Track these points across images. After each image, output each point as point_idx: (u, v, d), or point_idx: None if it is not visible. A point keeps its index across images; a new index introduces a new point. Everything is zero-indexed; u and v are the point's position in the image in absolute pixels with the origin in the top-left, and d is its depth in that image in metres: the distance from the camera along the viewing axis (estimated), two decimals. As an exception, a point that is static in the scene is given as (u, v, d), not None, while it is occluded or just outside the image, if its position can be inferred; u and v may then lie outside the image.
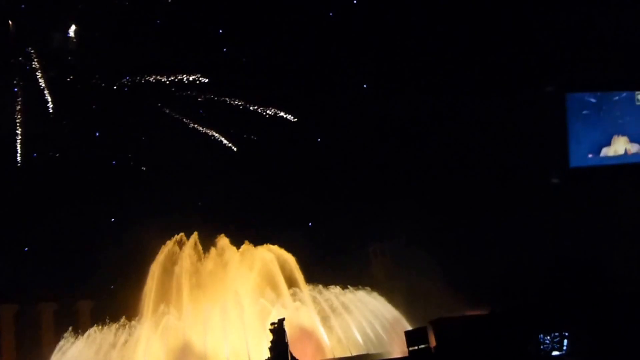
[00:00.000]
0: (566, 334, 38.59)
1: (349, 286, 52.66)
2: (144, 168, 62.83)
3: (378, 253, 64.82)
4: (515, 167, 58.84)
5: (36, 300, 60.54)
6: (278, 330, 39.80)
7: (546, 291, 49.60)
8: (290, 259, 52.85)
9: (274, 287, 51.90)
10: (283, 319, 40.54)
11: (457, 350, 41.31)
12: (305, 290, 52.01)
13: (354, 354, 47.61)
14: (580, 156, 55.69)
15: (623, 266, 50.06)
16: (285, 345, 39.69)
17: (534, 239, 55.74)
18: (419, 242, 57.01)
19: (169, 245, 54.61)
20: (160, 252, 54.17)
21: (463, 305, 46.95)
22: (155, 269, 53.44)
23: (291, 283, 52.50)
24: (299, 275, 52.68)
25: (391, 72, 61.69)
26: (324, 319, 50.25)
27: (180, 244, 54.75)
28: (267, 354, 40.10)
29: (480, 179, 59.16)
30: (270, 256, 52.97)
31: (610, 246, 52.83)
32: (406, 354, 43.35)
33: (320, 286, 52.56)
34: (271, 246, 53.71)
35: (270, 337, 39.81)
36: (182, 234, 55.05)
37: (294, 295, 51.60)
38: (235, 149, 63.26)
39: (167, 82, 62.44)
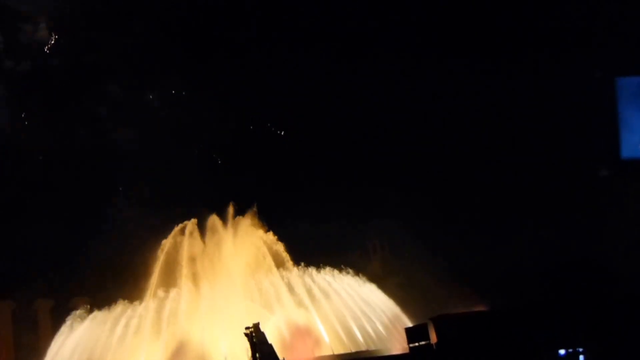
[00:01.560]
0: (580, 349, 37.97)
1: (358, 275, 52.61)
2: (120, 188, 63.16)
3: (377, 247, 64.18)
4: (548, 159, 56.50)
5: (33, 297, 60.46)
6: (257, 333, 40.31)
7: (549, 290, 48.91)
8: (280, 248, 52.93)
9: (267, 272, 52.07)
10: (258, 323, 41.15)
11: (458, 347, 41.00)
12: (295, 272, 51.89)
13: (354, 350, 47.00)
14: (632, 146, 46.67)
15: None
16: (270, 346, 40.27)
17: (537, 237, 54.96)
18: (420, 236, 56.12)
19: (169, 238, 54.59)
20: (162, 245, 54.18)
21: (464, 302, 46.36)
22: (158, 259, 53.59)
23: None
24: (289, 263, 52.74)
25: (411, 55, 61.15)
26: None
27: (181, 234, 54.77)
28: (250, 356, 40.47)
29: (488, 174, 58.27)
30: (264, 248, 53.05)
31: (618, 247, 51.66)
32: (407, 351, 43.28)
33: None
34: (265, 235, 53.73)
35: (246, 340, 40.51)
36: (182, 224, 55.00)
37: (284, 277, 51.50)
38: (219, 161, 63.68)
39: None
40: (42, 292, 60.29)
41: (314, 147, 63.39)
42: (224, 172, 60.69)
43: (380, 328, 48.83)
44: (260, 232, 53.69)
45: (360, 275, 52.74)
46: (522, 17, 58.86)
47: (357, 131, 62.52)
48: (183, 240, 54.53)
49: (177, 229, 54.91)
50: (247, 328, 40.94)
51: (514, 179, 57.82)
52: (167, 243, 54.42)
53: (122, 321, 49.98)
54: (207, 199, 58.50)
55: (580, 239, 52.88)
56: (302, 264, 52.09)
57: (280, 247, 52.61)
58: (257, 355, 39.92)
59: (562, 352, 38.81)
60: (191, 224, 55.02)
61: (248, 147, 64.24)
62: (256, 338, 40.15)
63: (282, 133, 62.96)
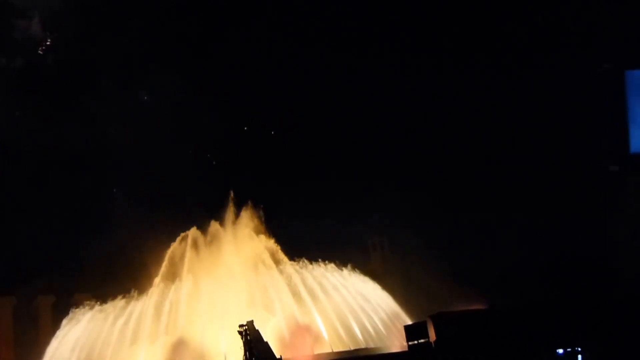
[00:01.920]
0: (579, 349, 37.90)
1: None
2: (115, 190, 63.29)
3: (377, 245, 64.17)
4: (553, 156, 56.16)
5: (34, 293, 60.57)
6: (251, 331, 39.99)
7: (548, 289, 48.78)
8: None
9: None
10: (252, 321, 40.86)
11: (457, 345, 41.03)
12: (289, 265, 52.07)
13: (353, 347, 46.97)
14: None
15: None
16: (266, 343, 39.89)
17: (537, 236, 54.79)
18: (420, 234, 56.09)
19: (175, 243, 54.70)
20: (168, 250, 54.39)
21: (463, 300, 46.26)
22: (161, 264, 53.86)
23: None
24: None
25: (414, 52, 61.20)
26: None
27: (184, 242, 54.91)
28: (246, 353, 39.73)
29: (488, 174, 58.21)
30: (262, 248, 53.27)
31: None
32: (405, 348, 43.23)
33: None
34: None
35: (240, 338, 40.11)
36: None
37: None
38: (214, 162, 63.80)
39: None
40: (43, 289, 60.47)
41: (314, 146, 63.44)
42: (223, 170, 60.42)
43: (380, 326, 48.75)
44: (259, 229, 53.73)
45: (359, 271, 52.69)
46: (524, 12, 58.73)
47: (357, 131, 62.63)
48: (185, 247, 54.61)
49: (179, 239, 54.82)
50: (240, 326, 40.69)
51: (514, 179, 57.74)
52: (170, 251, 54.49)
53: (123, 318, 50.12)
54: (205, 197, 58.44)
55: (580, 239, 52.76)
56: (303, 259, 52.07)
57: (277, 244, 52.73)
58: (253, 352, 39.44)
59: (560, 351, 38.72)
60: (193, 232, 55.06)
61: (247, 145, 64.29)
62: (251, 336, 39.79)
63: (273, 133, 62.75)
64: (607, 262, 50.93)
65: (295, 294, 49.74)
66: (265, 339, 39.93)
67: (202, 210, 55.34)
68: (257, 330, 40.20)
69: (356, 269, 52.60)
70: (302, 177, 62.21)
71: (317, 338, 47.95)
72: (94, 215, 60.18)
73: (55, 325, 55.81)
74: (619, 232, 52.03)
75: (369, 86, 63.82)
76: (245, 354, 39.97)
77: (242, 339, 40.44)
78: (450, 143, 61.60)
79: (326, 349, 47.04)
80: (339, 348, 47.08)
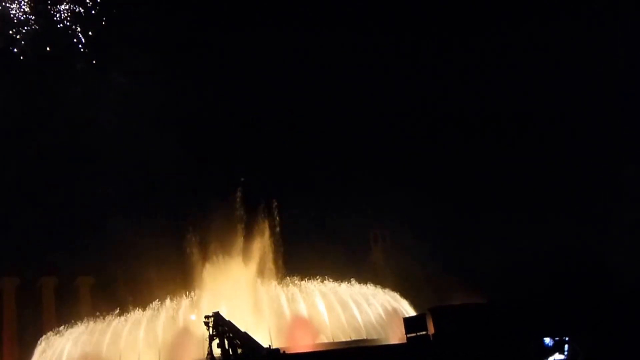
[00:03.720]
0: (567, 338, 38.60)
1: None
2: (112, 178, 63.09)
3: (379, 238, 64.86)
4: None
5: (37, 274, 61.02)
6: (222, 322, 37.91)
7: (547, 286, 49.54)
8: None
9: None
10: (217, 312, 38.88)
11: (455, 337, 41.84)
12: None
13: (354, 338, 47.67)
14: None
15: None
16: (246, 333, 37.56)
17: (537, 233, 55.55)
18: (421, 228, 56.88)
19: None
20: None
21: (463, 294, 47.15)
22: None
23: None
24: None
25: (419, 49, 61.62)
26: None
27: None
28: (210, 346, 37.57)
29: (488, 173, 58.92)
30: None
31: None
32: (404, 340, 43.98)
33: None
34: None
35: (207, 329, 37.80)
36: None
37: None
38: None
39: None
40: (46, 270, 60.89)
41: (318, 143, 63.93)
42: (226, 167, 60.44)
43: (380, 317, 49.38)
44: (266, 234, 53.48)
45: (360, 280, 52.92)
46: (525, 12, 59.36)
47: (359, 130, 63.48)
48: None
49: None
50: (207, 317, 38.38)
51: (514, 179, 58.57)
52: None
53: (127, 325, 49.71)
54: (201, 190, 58.64)
55: (579, 237, 53.65)
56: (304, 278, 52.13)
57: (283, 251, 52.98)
58: (234, 343, 37.20)
59: (549, 343, 39.24)
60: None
61: (249, 142, 64.56)
62: (223, 327, 37.84)
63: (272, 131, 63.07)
64: (605, 260, 51.82)
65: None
66: (243, 330, 37.97)
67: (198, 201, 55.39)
68: (229, 321, 38.11)
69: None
70: (306, 172, 62.66)
71: (318, 328, 48.38)
72: (94, 201, 60.30)
73: (57, 306, 56.43)
74: (618, 231, 53.01)
75: (369, 86, 64.26)
76: (209, 346, 37.89)
77: (207, 330, 38.08)
78: (450, 143, 62.19)
79: (328, 339, 47.64)
80: (340, 338, 47.57)
